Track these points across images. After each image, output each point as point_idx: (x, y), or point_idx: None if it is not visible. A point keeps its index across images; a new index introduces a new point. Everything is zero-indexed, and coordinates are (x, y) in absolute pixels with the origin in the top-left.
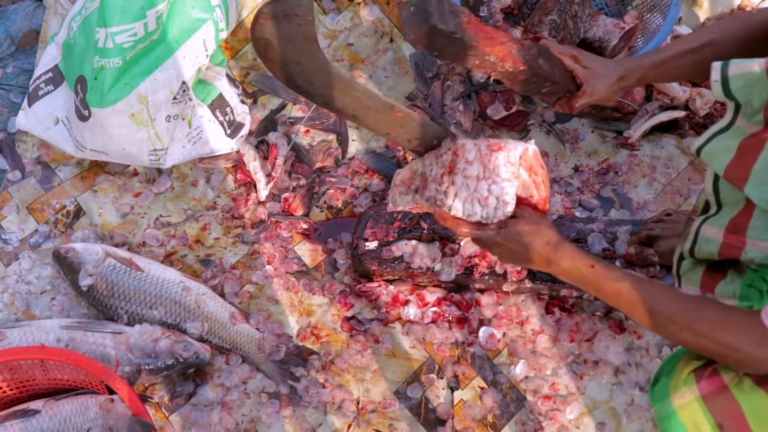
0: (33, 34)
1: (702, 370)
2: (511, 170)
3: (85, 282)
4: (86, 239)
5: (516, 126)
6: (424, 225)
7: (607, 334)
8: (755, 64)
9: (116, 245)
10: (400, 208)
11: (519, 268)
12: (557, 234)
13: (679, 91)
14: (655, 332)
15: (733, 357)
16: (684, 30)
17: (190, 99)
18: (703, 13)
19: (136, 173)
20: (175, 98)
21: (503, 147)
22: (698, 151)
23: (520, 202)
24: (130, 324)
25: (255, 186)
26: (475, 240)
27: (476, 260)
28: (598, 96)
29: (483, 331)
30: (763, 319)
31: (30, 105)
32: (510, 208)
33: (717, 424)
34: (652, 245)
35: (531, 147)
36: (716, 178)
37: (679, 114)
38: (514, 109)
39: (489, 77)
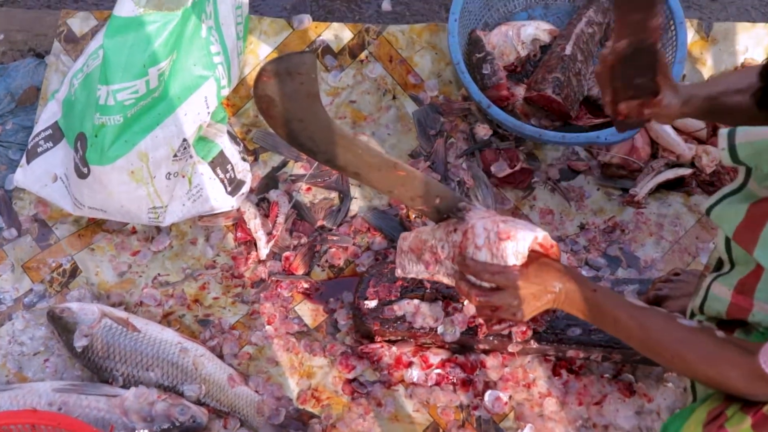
0: (33, 91)
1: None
2: (519, 257)
3: (80, 343)
4: (82, 299)
5: (520, 183)
6: (427, 284)
7: (617, 397)
8: (763, 132)
9: (113, 305)
10: (411, 276)
11: (523, 328)
12: (565, 265)
13: (684, 148)
14: (653, 359)
15: (724, 388)
16: None
17: (191, 156)
18: (707, 71)
19: (134, 231)
20: (175, 155)
21: (512, 236)
22: (708, 211)
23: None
24: (125, 386)
25: (255, 244)
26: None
27: (480, 320)
28: (668, 112)
29: (489, 395)
30: (759, 359)
31: (29, 162)
32: None
33: None
34: (660, 305)
35: (540, 234)
36: (728, 238)
37: (686, 171)
38: (518, 167)
39: (492, 134)
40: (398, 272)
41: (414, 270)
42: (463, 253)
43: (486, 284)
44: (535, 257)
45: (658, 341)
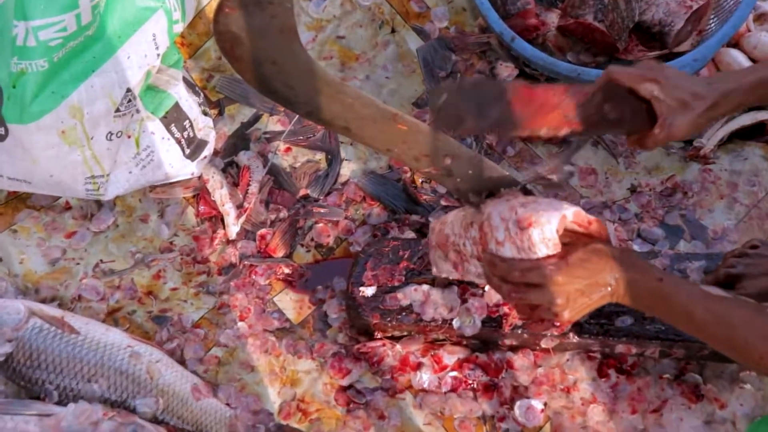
0: None
1: None
2: (551, 245)
3: (2, 350)
4: (3, 294)
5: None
6: None
7: (680, 403)
8: None
9: (43, 301)
10: (444, 276)
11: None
12: (619, 248)
13: None
14: (735, 359)
15: None
16: None
17: (138, 111)
18: None
19: (68, 207)
20: (117, 110)
21: (534, 222)
22: None
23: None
24: (61, 403)
25: (222, 221)
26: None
27: (505, 309)
28: (678, 133)
29: (519, 403)
30: None
31: None
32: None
33: None
34: (733, 287)
35: (569, 211)
36: None
37: (767, 116)
38: None
39: (518, 74)
40: (434, 271)
41: (445, 269)
42: (486, 250)
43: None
44: (576, 240)
45: (745, 339)
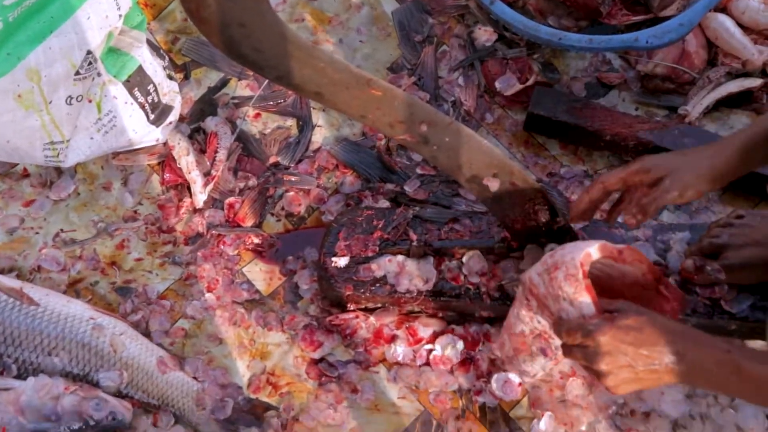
0: None
1: None
2: (575, 282)
3: None
4: None
5: None
6: (413, 235)
7: None
8: None
9: (0, 271)
10: (539, 377)
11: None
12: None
13: (752, 51)
14: None
15: None
16: None
17: (99, 74)
18: None
19: (26, 174)
20: (77, 73)
21: (559, 263)
22: None
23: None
24: (21, 377)
25: (189, 189)
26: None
27: (483, 280)
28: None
29: (497, 377)
30: None
31: None
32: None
33: None
34: (717, 257)
35: (593, 246)
36: None
37: (754, 83)
38: (531, 81)
39: (497, 39)
40: (525, 382)
41: (538, 367)
42: (551, 314)
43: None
44: (628, 303)
45: None
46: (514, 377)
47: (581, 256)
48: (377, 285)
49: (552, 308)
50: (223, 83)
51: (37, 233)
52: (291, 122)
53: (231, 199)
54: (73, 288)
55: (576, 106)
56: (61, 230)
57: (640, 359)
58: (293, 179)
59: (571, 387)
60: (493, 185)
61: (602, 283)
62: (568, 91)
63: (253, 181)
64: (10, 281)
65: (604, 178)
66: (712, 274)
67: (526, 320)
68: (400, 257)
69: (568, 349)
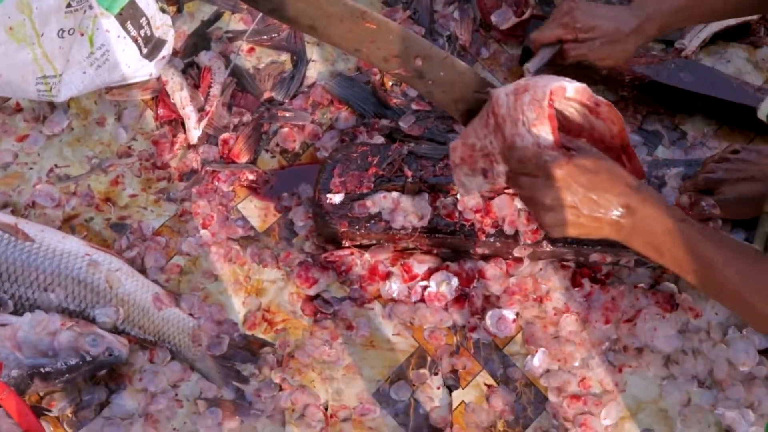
0: None
1: None
2: (538, 108)
3: None
4: None
5: None
6: (408, 172)
7: (654, 312)
8: None
9: None
10: (473, 194)
11: (533, 227)
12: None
13: None
14: (748, 323)
15: None
16: None
17: (91, 7)
18: None
19: (19, 109)
20: (69, 5)
21: (530, 86)
22: None
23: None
24: (17, 313)
25: (183, 124)
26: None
27: (478, 216)
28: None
29: (491, 314)
30: None
31: None
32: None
33: None
34: (712, 192)
35: (571, 85)
36: None
37: (751, 16)
38: (527, 15)
39: None
40: (460, 193)
41: (474, 185)
42: (504, 139)
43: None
44: (589, 144)
45: None
46: (508, 314)
47: (554, 86)
48: (372, 222)
49: (507, 132)
50: (217, 17)
51: (31, 168)
52: (285, 57)
53: (225, 135)
54: (68, 224)
55: None
56: (55, 165)
57: (587, 203)
58: (288, 115)
59: (565, 323)
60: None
61: (567, 128)
62: None
63: (247, 117)
64: (5, 217)
65: (537, 35)
66: (707, 209)
67: (480, 136)
68: (395, 194)
69: (514, 177)
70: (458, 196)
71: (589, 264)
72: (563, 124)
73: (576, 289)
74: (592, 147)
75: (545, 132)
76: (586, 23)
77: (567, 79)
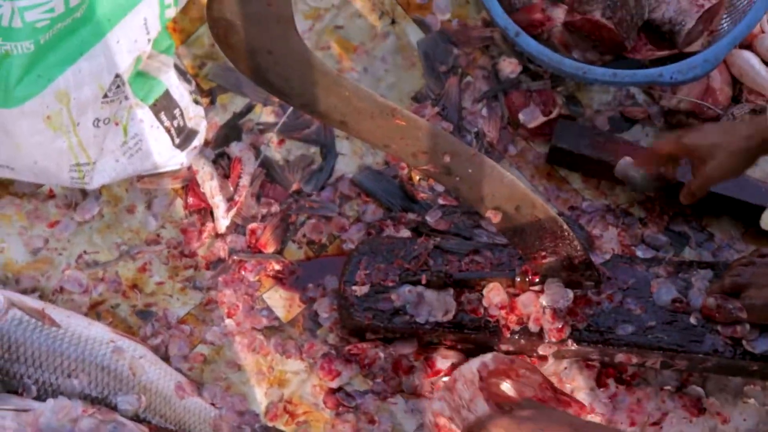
0: None
1: None
2: (471, 386)
3: None
4: None
5: None
6: (434, 266)
7: (681, 416)
8: None
9: (23, 291)
10: None
11: (559, 325)
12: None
13: None
14: None
15: None
16: None
17: (126, 98)
18: None
19: (52, 195)
20: (105, 96)
21: (456, 376)
22: None
23: None
24: (40, 398)
25: (212, 213)
26: None
27: (503, 313)
28: (715, 175)
29: None
30: None
31: None
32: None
33: None
34: (739, 295)
35: (488, 356)
36: None
37: None
38: (554, 114)
39: (521, 71)
40: None
41: None
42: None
43: None
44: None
45: None
46: None
47: (477, 365)
48: (397, 315)
49: (459, 427)
50: (249, 109)
51: (60, 254)
52: (315, 150)
53: (253, 225)
54: (94, 310)
55: (599, 140)
56: (84, 252)
57: None
58: (315, 207)
59: None
60: (496, 218)
61: (504, 398)
62: (592, 125)
63: (275, 208)
64: (32, 302)
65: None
66: (734, 312)
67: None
68: (419, 288)
69: None
70: (484, 292)
71: (615, 364)
72: (499, 395)
73: (601, 389)
74: (531, 400)
75: (480, 403)
76: (703, 129)
77: (484, 355)
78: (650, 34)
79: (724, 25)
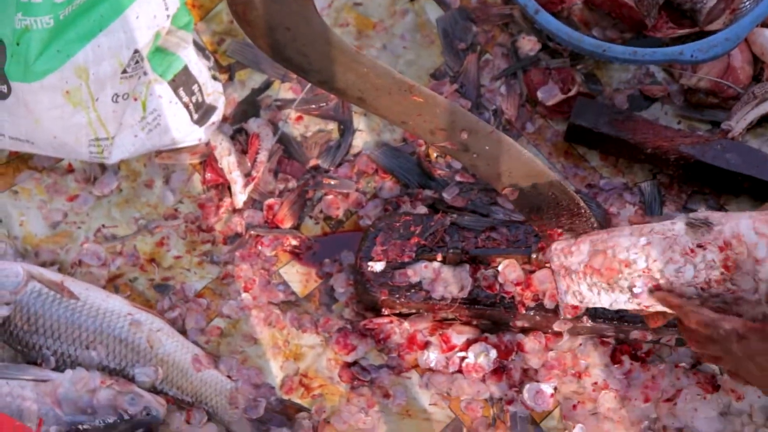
0: None
1: None
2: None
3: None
4: (2, 256)
5: None
6: (450, 242)
7: (695, 393)
8: None
9: (43, 264)
10: (583, 304)
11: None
12: None
13: None
14: None
15: None
16: None
17: (145, 73)
18: None
19: (71, 170)
20: (124, 72)
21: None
22: None
23: None
24: (59, 369)
25: (229, 189)
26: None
27: (518, 289)
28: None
29: (528, 387)
30: None
31: None
32: None
33: None
34: None
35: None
36: None
37: None
38: (573, 91)
39: (540, 49)
40: (566, 300)
41: (604, 300)
42: (733, 273)
43: None
44: None
45: None
46: (546, 388)
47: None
48: (412, 291)
49: (756, 271)
50: (267, 85)
51: (79, 228)
52: (332, 126)
53: (270, 201)
54: (112, 283)
55: (618, 119)
56: (103, 225)
57: None
58: (332, 182)
59: (603, 400)
60: (512, 196)
61: None
62: (611, 103)
63: (292, 183)
64: (51, 274)
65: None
66: None
67: (665, 259)
68: (435, 264)
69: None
70: (500, 268)
71: (630, 341)
72: None
73: (615, 366)
74: None
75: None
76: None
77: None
78: (671, 12)
79: (747, 3)
